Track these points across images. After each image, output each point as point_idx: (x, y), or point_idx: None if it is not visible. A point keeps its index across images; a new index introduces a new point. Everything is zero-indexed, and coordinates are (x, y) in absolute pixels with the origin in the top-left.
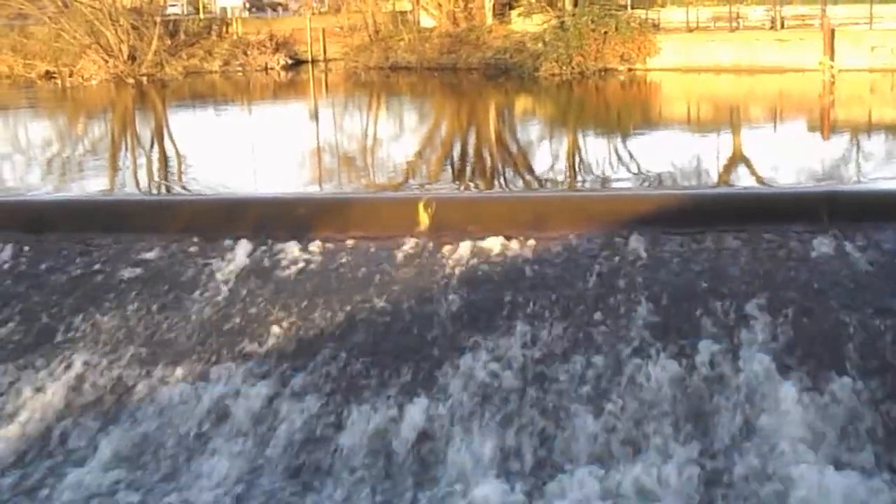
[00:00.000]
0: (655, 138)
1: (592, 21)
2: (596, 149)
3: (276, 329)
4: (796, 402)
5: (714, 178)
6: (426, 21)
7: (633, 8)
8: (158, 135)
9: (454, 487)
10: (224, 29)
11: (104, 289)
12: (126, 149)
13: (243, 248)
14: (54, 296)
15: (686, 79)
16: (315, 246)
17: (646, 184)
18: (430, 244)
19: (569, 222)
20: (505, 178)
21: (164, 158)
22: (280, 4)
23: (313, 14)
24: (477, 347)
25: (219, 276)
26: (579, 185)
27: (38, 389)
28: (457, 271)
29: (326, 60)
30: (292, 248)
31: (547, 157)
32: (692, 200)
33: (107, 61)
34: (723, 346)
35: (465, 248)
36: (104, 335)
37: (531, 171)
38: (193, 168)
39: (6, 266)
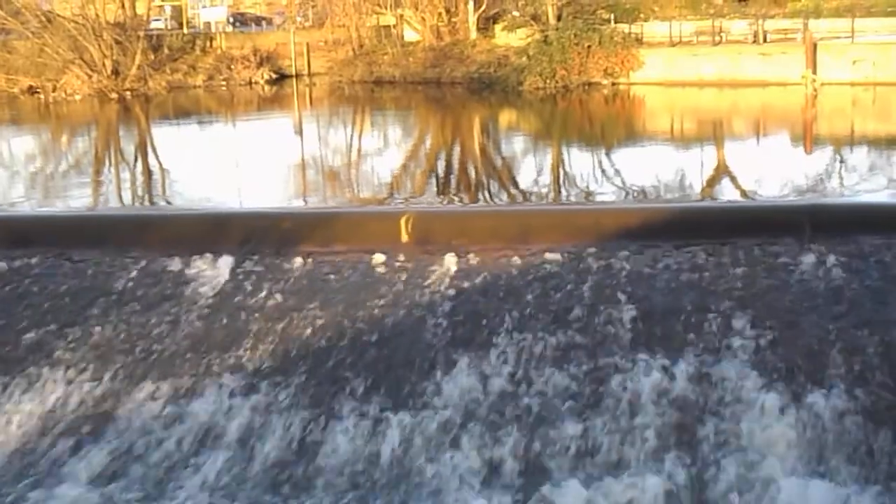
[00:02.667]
0: (639, 152)
1: (576, 35)
2: (580, 163)
3: (260, 343)
4: (779, 414)
5: (698, 191)
6: (410, 35)
7: (616, 22)
8: (142, 150)
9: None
10: (208, 43)
11: (88, 304)
12: (110, 164)
13: (227, 262)
14: (38, 311)
15: (670, 92)
16: (300, 260)
17: (630, 197)
18: (414, 258)
19: (554, 236)
20: (489, 192)
21: (148, 173)
22: (264, 19)
23: (297, 29)
24: (461, 360)
25: (203, 290)
26: (563, 198)
27: (22, 405)
28: (440, 285)
29: (311, 75)
30: (277, 263)
31: (531, 171)
32: (676, 214)
33: (90, 76)
34: (706, 359)
35: (448, 261)
36: (88, 350)
37: (516, 184)
38: (178, 183)
39: None
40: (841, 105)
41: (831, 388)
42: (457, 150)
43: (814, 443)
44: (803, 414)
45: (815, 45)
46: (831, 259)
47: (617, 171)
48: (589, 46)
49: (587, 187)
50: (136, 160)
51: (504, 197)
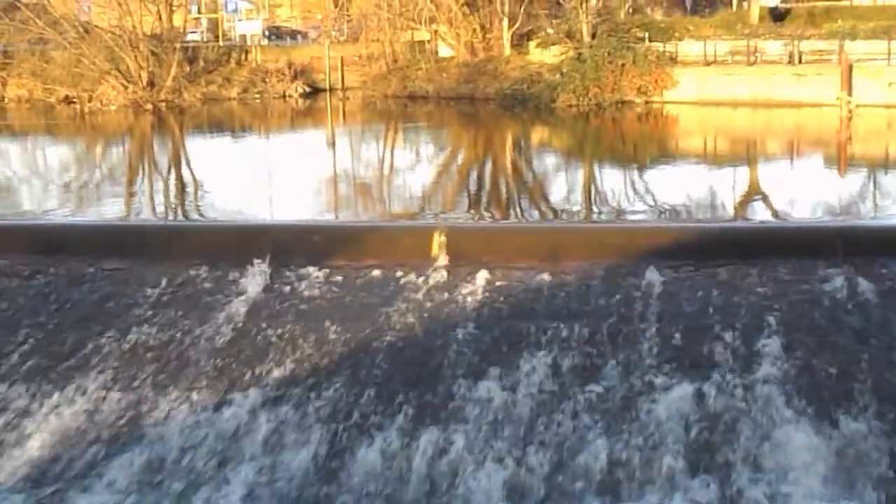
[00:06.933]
0: (672, 171)
1: (610, 53)
2: (612, 181)
3: (289, 356)
4: (807, 437)
5: (730, 211)
6: (444, 51)
7: (650, 41)
8: (176, 161)
9: None
10: (243, 56)
11: (120, 313)
12: (144, 174)
13: (259, 274)
14: (70, 319)
15: (703, 112)
16: (330, 274)
17: (661, 216)
18: (445, 273)
19: (585, 254)
20: (521, 209)
21: (181, 184)
22: (299, 33)
23: (332, 43)
24: (491, 376)
25: (234, 302)
26: (595, 216)
27: (53, 412)
28: (471, 301)
29: (344, 89)
30: (308, 276)
31: (564, 188)
32: (708, 233)
33: (126, 87)
34: (734, 379)
35: (480, 277)
36: (119, 360)
37: (547, 202)
38: (211, 194)
39: (24, 287)
40: (876, 127)
41: (861, 412)
42: (489, 166)
43: (843, 466)
44: (832, 436)
45: (850, 67)
46: (862, 281)
47: (649, 190)
48: (623, 64)
49: (619, 206)
50: (169, 171)
51: (536, 214)
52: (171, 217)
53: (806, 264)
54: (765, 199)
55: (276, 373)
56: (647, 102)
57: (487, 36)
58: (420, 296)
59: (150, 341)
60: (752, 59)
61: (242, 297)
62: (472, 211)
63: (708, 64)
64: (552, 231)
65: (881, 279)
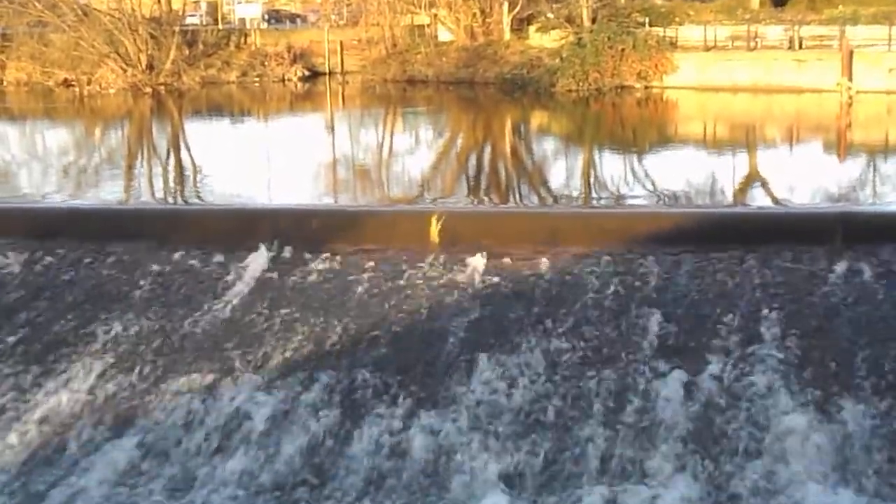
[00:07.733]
0: (671, 157)
1: (610, 38)
2: (611, 166)
3: (289, 340)
4: (805, 424)
5: (729, 197)
6: (444, 35)
7: (651, 25)
8: (174, 145)
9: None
10: (242, 40)
11: (117, 298)
12: (142, 158)
13: (257, 258)
14: (67, 304)
15: (703, 97)
16: (328, 258)
17: (661, 202)
18: (443, 258)
19: (583, 239)
20: (519, 194)
21: (179, 168)
22: (299, 16)
23: (331, 27)
24: (489, 360)
25: (232, 287)
26: (594, 202)
27: (49, 397)
28: (469, 285)
29: (344, 73)
30: (306, 260)
31: (562, 173)
32: (708, 219)
33: (125, 70)
34: (733, 365)
35: (476, 261)
36: (116, 344)
37: (546, 186)
38: (210, 178)
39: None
40: (876, 113)
41: (860, 399)
42: (488, 150)
43: (841, 451)
44: (831, 423)
45: (851, 53)
46: (862, 267)
47: (648, 176)
48: (623, 49)
49: (618, 191)
50: (168, 155)
51: (534, 199)
52: (170, 201)
53: (806, 250)
54: (765, 184)
55: (276, 357)
56: (646, 87)
57: (487, 20)
58: (418, 280)
59: (148, 326)
60: (752, 44)
61: (241, 282)
62: (470, 195)
63: (708, 49)
64: (551, 216)
65: (881, 265)
